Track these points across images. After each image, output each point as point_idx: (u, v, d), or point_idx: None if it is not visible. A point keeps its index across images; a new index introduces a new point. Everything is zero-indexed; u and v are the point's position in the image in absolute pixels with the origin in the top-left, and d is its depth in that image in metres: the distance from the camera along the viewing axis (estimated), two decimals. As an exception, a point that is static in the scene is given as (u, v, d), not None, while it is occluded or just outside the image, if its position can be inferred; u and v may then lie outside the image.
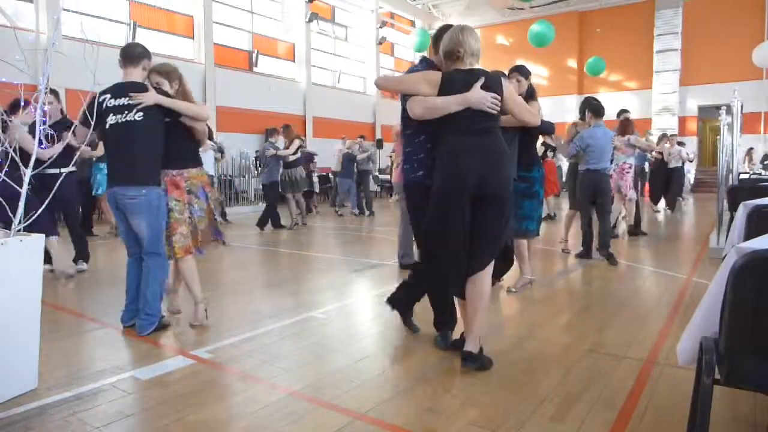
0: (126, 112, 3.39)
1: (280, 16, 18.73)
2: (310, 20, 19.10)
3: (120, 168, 3.44)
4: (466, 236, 2.80)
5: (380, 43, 22.46)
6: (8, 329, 2.40)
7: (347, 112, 20.50)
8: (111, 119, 3.41)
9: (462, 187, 2.76)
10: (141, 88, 3.43)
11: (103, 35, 13.16)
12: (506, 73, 4.13)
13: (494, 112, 2.80)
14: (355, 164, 11.76)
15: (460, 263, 2.84)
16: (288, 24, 18.87)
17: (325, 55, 20.91)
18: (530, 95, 4.18)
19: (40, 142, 2.78)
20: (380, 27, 22.28)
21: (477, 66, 2.88)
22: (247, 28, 17.92)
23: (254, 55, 17.86)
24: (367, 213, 11.55)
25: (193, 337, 3.39)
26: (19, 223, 2.52)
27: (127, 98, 3.39)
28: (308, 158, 12.16)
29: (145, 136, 3.41)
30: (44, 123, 2.73)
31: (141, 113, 3.38)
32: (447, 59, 2.89)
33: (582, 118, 6.22)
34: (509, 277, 4.57)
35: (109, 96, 3.43)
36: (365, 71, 22.74)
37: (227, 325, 3.66)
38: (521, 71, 4.24)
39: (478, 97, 2.75)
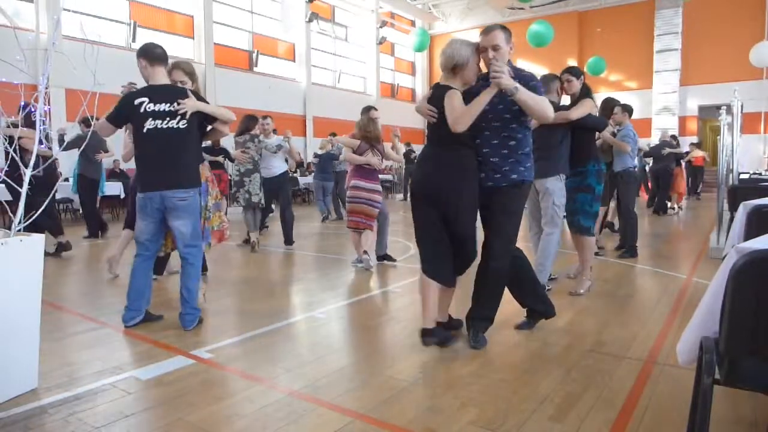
0: (168, 118, 3.40)
1: (280, 16, 18.73)
2: (310, 20, 19.11)
3: (168, 172, 3.44)
4: (434, 234, 3.09)
5: (380, 43, 22.48)
6: (8, 329, 2.40)
7: (347, 112, 20.47)
8: (150, 124, 3.40)
9: (417, 190, 3.13)
10: (182, 93, 3.45)
11: (103, 35, 13.17)
12: (557, 75, 4.35)
13: (432, 120, 3.04)
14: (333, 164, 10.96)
15: (436, 258, 3.12)
16: (288, 24, 18.87)
17: (325, 55, 20.92)
18: (584, 94, 4.25)
19: (40, 142, 2.77)
20: (380, 27, 22.29)
21: (451, 80, 3.03)
22: (247, 28, 17.93)
23: (254, 55, 17.87)
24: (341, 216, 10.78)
25: (193, 337, 3.39)
26: (19, 223, 2.52)
27: (169, 104, 3.39)
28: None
29: (189, 144, 3.50)
30: (44, 123, 2.71)
31: (184, 121, 3.42)
32: None
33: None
34: (571, 282, 4.71)
35: (147, 100, 3.41)
36: (365, 71, 22.75)
37: (227, 325, 3.67)
38: (572, 71, 4.35)
39: (419, 108, 3.15)
